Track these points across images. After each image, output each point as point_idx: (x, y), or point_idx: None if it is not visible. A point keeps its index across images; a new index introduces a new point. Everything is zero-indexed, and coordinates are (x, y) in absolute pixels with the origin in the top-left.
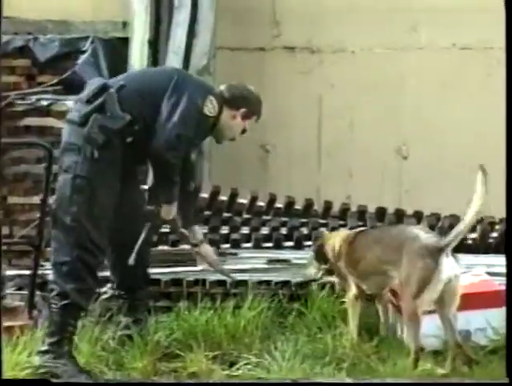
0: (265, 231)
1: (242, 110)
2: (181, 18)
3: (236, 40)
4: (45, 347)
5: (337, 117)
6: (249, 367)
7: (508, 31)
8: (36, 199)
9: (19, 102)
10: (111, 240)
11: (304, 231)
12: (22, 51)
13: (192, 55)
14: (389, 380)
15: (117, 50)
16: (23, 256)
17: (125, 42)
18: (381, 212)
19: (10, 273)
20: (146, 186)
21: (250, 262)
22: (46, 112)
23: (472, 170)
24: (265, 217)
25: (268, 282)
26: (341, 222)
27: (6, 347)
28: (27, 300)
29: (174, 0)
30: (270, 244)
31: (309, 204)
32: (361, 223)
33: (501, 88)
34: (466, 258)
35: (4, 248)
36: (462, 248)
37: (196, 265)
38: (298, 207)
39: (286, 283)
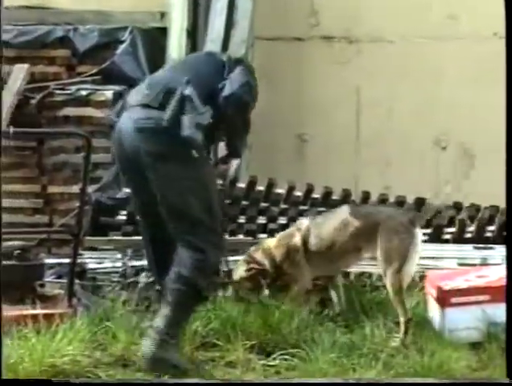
0: None
1: None
2: (219, 7)
3: (274, 30)
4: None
5: (375, 107)
6: (286, 357)
7: (508, 32)
8: (75, 189)
9: (59, 92)
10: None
11: None
12: (62, 42)
13: (230, 44)
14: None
15: (155, 40)
16: (63, 244)
17: (163, 32)
18: (420, 203)
19: (49, 261)
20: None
21: None
22: (85, 102)
23: None
24: (302, 207)
25: None
26: None
27: (45, 335)
28: (67, 288)
29: None
30: None
31: (347, 194)
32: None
33: None
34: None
35: (44, 236)
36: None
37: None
38: (335, 197)
39: None
